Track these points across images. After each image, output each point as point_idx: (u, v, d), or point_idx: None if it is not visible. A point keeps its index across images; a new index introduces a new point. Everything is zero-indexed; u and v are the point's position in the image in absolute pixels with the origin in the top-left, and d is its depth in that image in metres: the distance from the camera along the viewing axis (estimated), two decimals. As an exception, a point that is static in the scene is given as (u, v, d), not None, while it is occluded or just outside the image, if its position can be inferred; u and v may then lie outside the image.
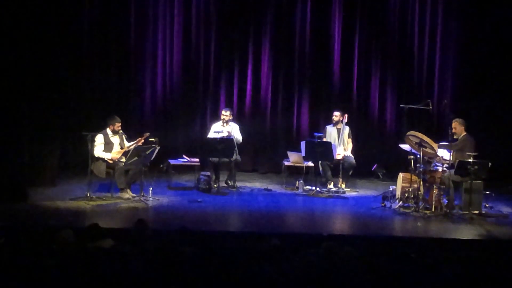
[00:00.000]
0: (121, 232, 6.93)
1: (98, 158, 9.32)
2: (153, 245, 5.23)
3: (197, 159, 10.68)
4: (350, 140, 10.82)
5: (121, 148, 9.53)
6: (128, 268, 4.61)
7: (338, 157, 10.37)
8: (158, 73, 12.04)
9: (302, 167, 10.69)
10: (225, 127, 10.47)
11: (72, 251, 5.07)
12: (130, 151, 9.08)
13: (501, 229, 8.37)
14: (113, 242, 5.50)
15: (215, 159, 10.19)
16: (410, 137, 9.19)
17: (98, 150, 9.33)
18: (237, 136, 10.52)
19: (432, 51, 12.18)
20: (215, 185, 10.20)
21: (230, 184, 10.59)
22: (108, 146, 9.42)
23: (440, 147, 9.23)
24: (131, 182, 9.45)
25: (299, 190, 10.42)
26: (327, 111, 11.83)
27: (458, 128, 9.36)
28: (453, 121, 9.42)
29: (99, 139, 9.35)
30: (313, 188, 10.31)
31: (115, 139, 9.51)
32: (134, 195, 9.31)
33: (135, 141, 9.50)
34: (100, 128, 9.53)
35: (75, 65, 11.37)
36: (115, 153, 9.41)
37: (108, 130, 9.48)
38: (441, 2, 12.07)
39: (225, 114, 10.53)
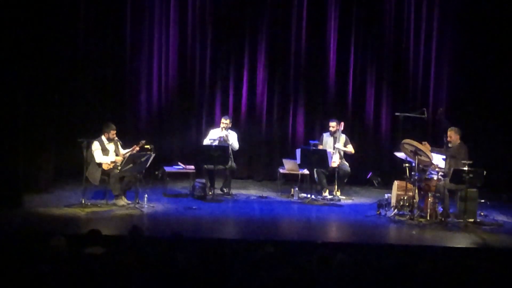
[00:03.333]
0: (116, 239, 6.92)
1: (95, 164, 9.30)
2: (148, 252, 5.23)
3: (192, 166, 10.68)
4: (349, 145, 10.74)
5: (116, 155, 9.51)
6: (122, 275, 4.60)
7: (333, 164, 10.36)
8: (153, 79, 12.01)
9: (297, 174, 10.68)
10: (222, 132, 10.46)
11: (65, 258, 5.05)
12: (125, 158, 9.08)
13: (495, 238, 8.39)
14: (108, 249, 5.48)
15: (211, 167, 10.18)
16: (405, 145, 9.21)
17: (98, 155, 9.32)
18: (234, 143, 10.52)
19: (428, 60, 12.19)
20: (210, 193, 10.19)
21: (225, 191, 10.57)
22: (104, 153, 9.40)
23: (432, 151, 9.25)
24: (126, 189, 9.44)
25: (294, 198, 10.41)
26: (323, 119, 11.85)
27: (453, 136, 9.37)
28: (449, 129, 9.44)
29: (96, 145, 9.34)
30: (308, 195, 10.30)
31: (111, 146, 9.50)
32: (129, 202, 9.29)
33: (131, 149, 9.49)
34: (96, 135, 9.52)
35: (70, 72, 11.33)
36: (118, 157, 9.40)
37: (103, 138, 9.46)
38: (436, 10, 12.09)
39: (225, 122, 10.49)
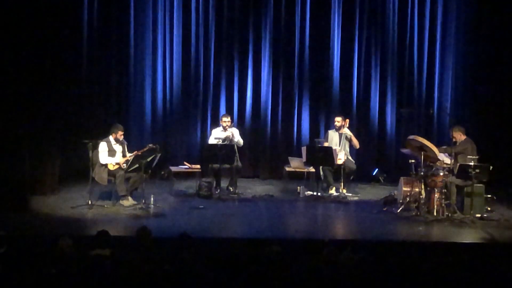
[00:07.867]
0: (123, 239, 6.93)
1: (101, 165, 9.31)
2: (155, 252, 5.24)
3: (198, 166, 10.67)
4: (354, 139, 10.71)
5: (123, 156, 9.52)
6: (129, 275, 4.61)
7: (339, 162, 10.34)
8: (158, 79, 12.02)
9: (303, 172, 10.67)
10: (227, 131, 10.45)
11: (73, 259, 5.06)
12: (131, 159, 9.09)
13: (502, 233, 8.36)
14: (115, 250, 5.49)
15: (216, 166, 10.18)
16: (411, 141, 9.19)
17: (104, 156, 9.33)
18: (239, 139, 10.53)
19: (432, 55, 12.16)
20: (216, 192, 10.19)
21: (231, 190, 10.56)
22: (111, 153, 9.41)
23: (440, 151, 9.23)
24: (132, 189, 9.44)
25: (301, 196, 10.41)
26: (328, 116, 11.86)
27: (456, 135, 9.36)
28: (450, 129, 9.43)
29: (103, 146, 9.35)
30: (314, 193, 10.29)
31: (118, 147, 9.50)
32: (135, 202, 9.30)
33: (133, 154, 9.46)
34: (102, 136, 9.53)
35: (74, 73, 11.35)
36: (122, 159, 9.41)
37: (111, 138, 9.47)
38: (440, 7, 12.07)
39: (226, 120, 10.50)
